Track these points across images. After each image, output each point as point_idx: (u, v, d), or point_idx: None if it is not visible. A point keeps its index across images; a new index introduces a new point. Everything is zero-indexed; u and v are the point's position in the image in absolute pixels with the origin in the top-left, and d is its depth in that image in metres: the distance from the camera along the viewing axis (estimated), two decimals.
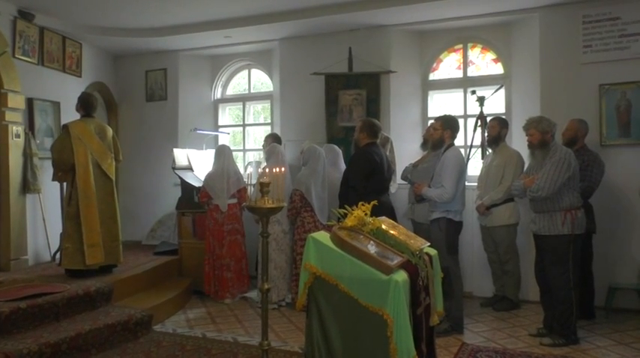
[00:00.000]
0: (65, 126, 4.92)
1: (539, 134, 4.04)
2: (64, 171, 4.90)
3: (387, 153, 5.24)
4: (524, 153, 4.87)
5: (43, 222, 5.82)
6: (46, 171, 5.82)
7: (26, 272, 5.18)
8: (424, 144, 5.46)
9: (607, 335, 4.32)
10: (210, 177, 5.55)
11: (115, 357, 3.90)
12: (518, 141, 5.38)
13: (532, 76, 5.50)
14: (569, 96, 5.24)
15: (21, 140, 5.56)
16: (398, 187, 5.58)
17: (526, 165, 4.64)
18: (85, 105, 5.06)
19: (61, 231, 5.74)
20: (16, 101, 5.51)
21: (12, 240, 5.41)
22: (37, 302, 3.99)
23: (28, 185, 5.57)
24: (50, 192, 5.82)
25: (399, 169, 5.49)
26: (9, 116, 5.44)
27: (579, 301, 4.13)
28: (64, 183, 5.27)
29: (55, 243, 5.86)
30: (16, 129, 5.51)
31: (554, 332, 4.11)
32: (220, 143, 6.97)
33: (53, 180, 5.21)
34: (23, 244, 5.57)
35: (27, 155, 5.59)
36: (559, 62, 5.31)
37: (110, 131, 5.18)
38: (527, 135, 4.16)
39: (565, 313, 4.02)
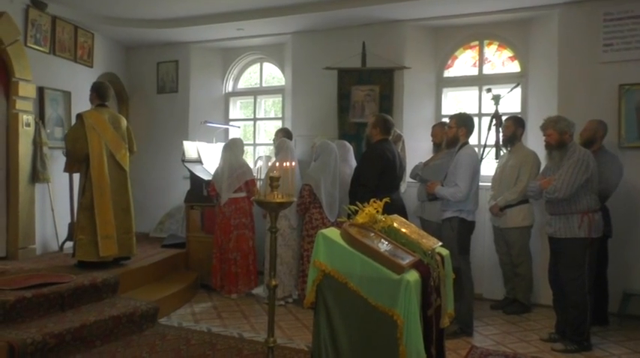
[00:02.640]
0: (79, 116, 4.89)
1: (557, 134, 3.94)
2: (78, 161, 4.87)
3: (399, 151, 5.17)
4: (540, 153, 4.78)
5: (52, 211, 5.81)
6: (55, 160, 5.82)
7: (34, 262, 5.17)
8: (435, 146, 5.38)
9: (621, 342, 4.22)
10: (216, 172, 5.56)
11: (120, 349, 3.87)
12: (533, 141, 5.28)
13: (550, 74, 5.38)
14: (587, 96, 5.11)
15: (31, 129, 5.54)
16: (407, 186, 5.50)
17: (542, 166, 4.54)
18: (100, 93, 5.03)
19: (69, 221, 5.76)
20: (27, 90, 5.49)
21: (20, 229, 5.40)
22: (43, 291, 3.97)
23: (37, 174, 5.55)
24: (59, 181, 5.81)
25: (409, 168, 5.41)
26: (20, 105, 5.42)
27: (593, 306, 4.02)
28: (76, 174, 5.27)
29: (63, 233, 5.86)
30: (27, 117, 5.49)
31: (567, 338, 4.02)
32: (231, 136, 6.93)
33: (65, 171, 5.19)
34: (31, 233, 5.56)
35: (37, 144, 5.57)
36: (578, 61, 5.18)
37: (124, 121, 5.15)
38: (544, 135, 4.06)
39: (578, 318, 3.92)
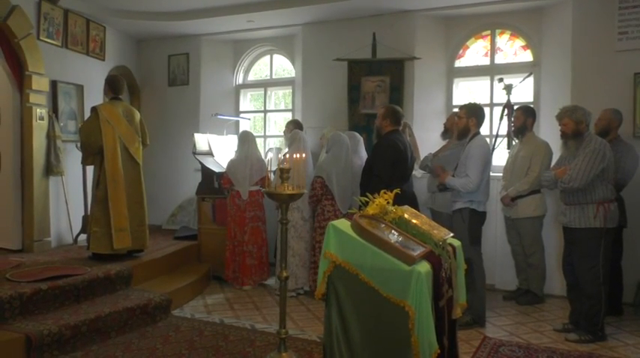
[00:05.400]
0: (94, 109, 4.93)
1: (574, 123, 3.89)
2: (92, 154, 4.92)
3: (407, 138, 5.14)
4: (552, 143, 4.73)
5: (66, 204, 5.87)
6: (69, 153, 5.87)
7: (49, 254, 5.24)
8: (444, 133, 5.33)
9: (635, 332, 4.18)
10: (232, 164, 5.50)
11: (134, 340, 3.92)
12: (546, 131, 5.22)
13: (563, 63, 5.31)
14: (601, 85, 5.04)
15: (45, 122, 5.59)
16: (423, 173, 5.47)
17: (555, 156, 4.49)
18: (114, 86, 5.07)
19: (83, 213, 5.82)
20: (40, 83, 5.53)
21: (35, 222, 5.46)
22: (58, 283, 4.03)
23: (51, 167, 5.60)
24: (73, 174, 5.87)
25: (420, 156, 5.37)
26: (33, 98, 5.47)
27: (607, 296, 3.99)
28: (89, 167, 5.31)
29: (77, 226, 5.92)
30: (40, 111, 5.54)
31: (581, 328, 3.99)
32: (242, 129, 6.94)
33: (82, 163, 5.24)
34: (46, 226, 5.63)
35: (50, 137, 5.61)
36: (592, 49, 5.11)
37: (138, 114, 5.19)
38: (560, 125, 4.00)
39: (593, 309, 3.89)
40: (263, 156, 5.85)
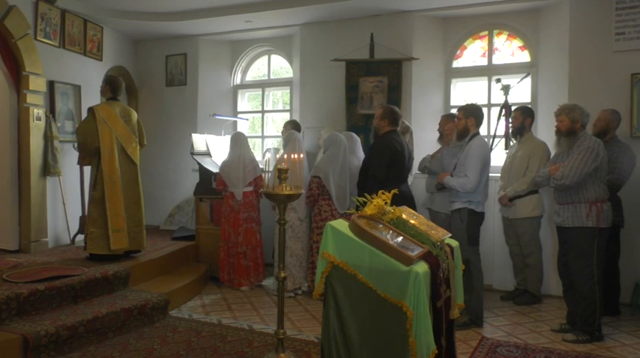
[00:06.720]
0: (91, 109, 4.93)
1: (569, 122, 3.90)
2: (89, 154, 4.91)
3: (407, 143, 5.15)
4: (550, 143, 4.73)
5: (63, 205, 5.85)
6: (66, 154, 5.86)
7: (46, 255, 5.23)
8: (440, 139, 5.34)
9: (632, 332, 4.19)
10: (225, 165, 5.50)
11: (132, 341, 3.91)
12: (543, 131, 5.24)
13: (560, 64, 5.32)
14: (599, 85, 5.05)
15: (42, 123, 5.58)
16: (414, 178, 5.48)
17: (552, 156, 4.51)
18: (113, 87, 5.07)
19: (80, 214, 5.81)
20: (38, 84, 5.52)
21: (32, 223, 5.45)
22: (55, 284, 4.02)
23: (48, 168, 5.59)
24: (70, 175, 5.86)
25: (417, 159, 5.38)
26: (30, 98, 5.46)
27: (604, 297, 4.00)
28: (87, 167, 5.30)
29: (74, 226, 5.91)
30: (37, 111, 5.52)
31: (578, 328, 4.00)
32: (238, 129, 6.94)
33: (79, 163, 5.22)
34: (43, 226, 5.61)
35: (48, 138, 5.60)
36: (589, 50, 5.12)
37: (135, 115, 5.18)
38: (556, 121, 4.02)
39: (589, 309, 3.90)
40: (260, 157, 5.84)
